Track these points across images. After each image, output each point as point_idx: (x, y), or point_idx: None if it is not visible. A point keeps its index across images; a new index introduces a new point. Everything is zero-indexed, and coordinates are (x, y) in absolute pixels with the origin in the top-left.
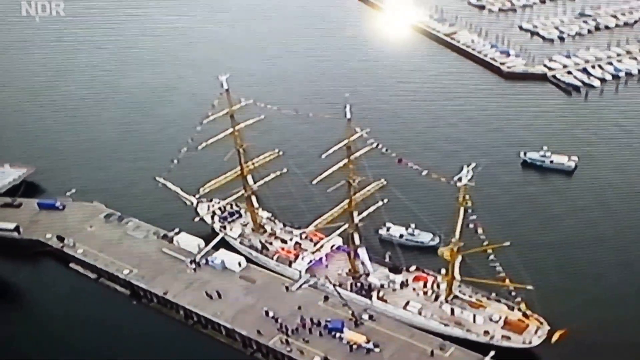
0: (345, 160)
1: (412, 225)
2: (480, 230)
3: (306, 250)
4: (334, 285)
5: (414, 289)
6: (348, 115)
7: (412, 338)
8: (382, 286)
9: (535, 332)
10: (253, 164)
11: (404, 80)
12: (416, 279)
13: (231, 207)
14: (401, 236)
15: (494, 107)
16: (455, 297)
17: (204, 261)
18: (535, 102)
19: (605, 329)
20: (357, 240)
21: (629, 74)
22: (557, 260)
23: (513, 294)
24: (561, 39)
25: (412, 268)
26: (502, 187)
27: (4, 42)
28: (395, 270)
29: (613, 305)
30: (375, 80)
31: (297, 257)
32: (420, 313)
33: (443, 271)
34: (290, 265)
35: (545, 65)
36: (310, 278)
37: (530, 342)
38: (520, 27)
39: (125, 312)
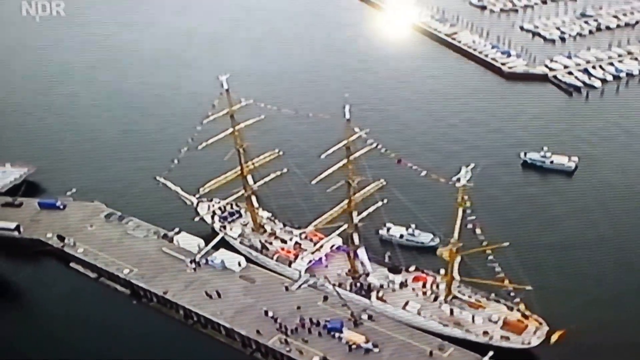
0: (345, 161)
1: (413, 226)
2: (479, 231)
3: (306, 250)
4: (334, 285)
5: (413, 289)
6: (347, 116)
7: (411, 338)
8: (381, 286)
9: (534, 332)
10: (253, 164)
11: (404, 80)
12: (415, 279)
13: (231, 207)
14: (401, 236)
15: (495, 108)
16: (455, 297)
17: (203, 261)
18: (536, 103)
19: (604, 330)
20: (356, 241)
21: (629, 75)
22: (556, 261)
23: (512, 294)
24: (562, 39)
25: (412, 268)
26: (502, 188)
27: (4, 42)
28: (395, 270)
29: (612, 306)
30: (376, 80)
31: (296, 257)
32: (419, 313)
33: (442, 271)
34: (290, 265)
35: (546, 66)
36: (310, 278)
37: (529, 343)
38: (522, 28)
39: (125, 312)
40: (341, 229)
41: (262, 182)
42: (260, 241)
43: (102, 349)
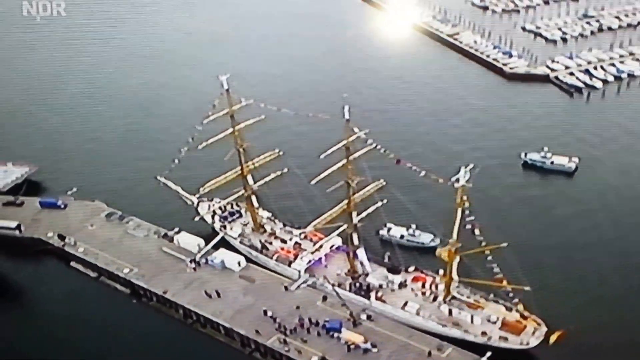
0: (344, 161)
1: (413, 226)
2: (478, 231)
3: (305, 250)
4: (333, 285)
5: (412, 290)
6: (347, 116)
7: (409, 338)
8: (380, 286)
9: (533, 333)
10: (253, 163)
11: (406, 80)
12: (415, 279)
13: (231, 207)
14: (402, 237)
15: (496, 108)
16: (453, 297)
17: (203, 260)
18: (537, 103)
19: (603, 330)
20: (356, 241)
21: (631, 76)
22: (555, 262)
23: (511, 295)
24: (564, 40)
25: (411, 268)
26: (502, 188)
27: (5, 41)
28: (394, 270)
29: (611, 307)
30: (377, 80)
31: (296, 257)
32: (418, 313)
33: (441, 272)
34: (289, 265)
35: (547, 67)
36: (309, 278)
37: (527, 343)
38: (523, 28)
39: (124, 311)
40: (341, 229)
41: (262, 182)
42: (260, 241)
43: (101, 347)
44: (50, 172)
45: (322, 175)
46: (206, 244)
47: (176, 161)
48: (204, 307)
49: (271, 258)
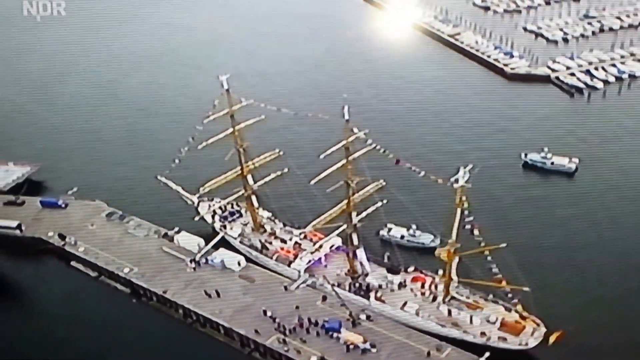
0: (344, 161)
1: (413, 227)
2: (477, 232)
3: (305, 250)
4: (332, 285)
5: (411, 290)
6: (346, 116)
7: (409, 339)
8: (380, 287)
9: (532, 333)
10: (253, 163)
11: (406, 80)
12: (414, 279)
13: (231, 207)
14: (402, 237)
15: (497, 109)
16: (453, 298)
17: (203, 260)
18: (538, 104)
19: (602, 331)
20: (355, 241)
21: (632, 76)
22: (554, 262)
23: (510, 295)
24: (565, 40)
25: (411, 269)
26: (502, 188)
27: (5, 41)
28: (394, 270)
29: (610, 307)
30: (378, 80)
31: (296, 256)
32: (417, 314)
33: (440, 272)
34: (289, 265)
35: (548, 67)
36: (309, 278)
37: (526, 344)
38: (525, 29)
39: (124, 310)
40: (340, 229)
41: (262, 182)
42: (260, 241)
43: (101, 347)
44: (51, 171)
45: (321, 175)
46: (206, 244)
47: (176, 161)
48: (203, 307)
49: (271, 258)
